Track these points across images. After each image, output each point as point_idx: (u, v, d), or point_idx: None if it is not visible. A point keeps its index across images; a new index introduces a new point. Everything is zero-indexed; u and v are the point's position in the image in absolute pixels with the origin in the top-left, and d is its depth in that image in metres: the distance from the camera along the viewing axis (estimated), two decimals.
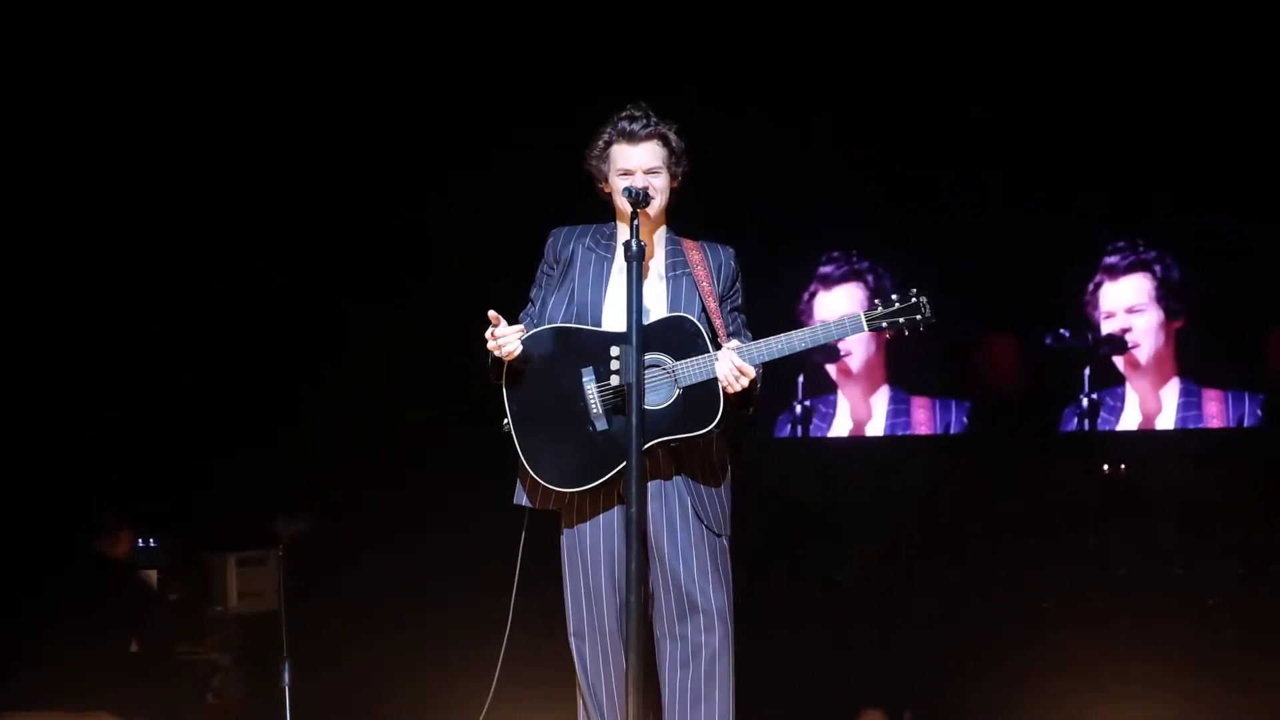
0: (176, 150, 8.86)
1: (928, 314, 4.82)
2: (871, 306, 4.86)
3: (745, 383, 4.73)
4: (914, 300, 4.82)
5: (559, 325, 4.85)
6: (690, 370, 4.75)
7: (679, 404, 4.74)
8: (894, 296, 4.84)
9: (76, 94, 8.57)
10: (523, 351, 4.78)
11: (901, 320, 4.81)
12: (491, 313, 4.75)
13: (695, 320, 4.80)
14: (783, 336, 4.79)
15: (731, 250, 5.03)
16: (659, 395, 4.73)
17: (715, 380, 4.73)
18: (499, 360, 4.78)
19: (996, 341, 9.67)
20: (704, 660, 4.80)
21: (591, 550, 4.86)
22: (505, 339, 4.74)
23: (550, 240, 5.01)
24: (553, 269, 4.98)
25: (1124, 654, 8.24)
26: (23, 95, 8.41)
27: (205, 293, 8.89)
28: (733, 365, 4.72)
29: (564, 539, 4.92)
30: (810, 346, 4.83)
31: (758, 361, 4.76)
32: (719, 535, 4.87)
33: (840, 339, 4.91)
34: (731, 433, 4.89)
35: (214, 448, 8.76)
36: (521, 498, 4.90)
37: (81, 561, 8.00)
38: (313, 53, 8.79)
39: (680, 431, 4.74)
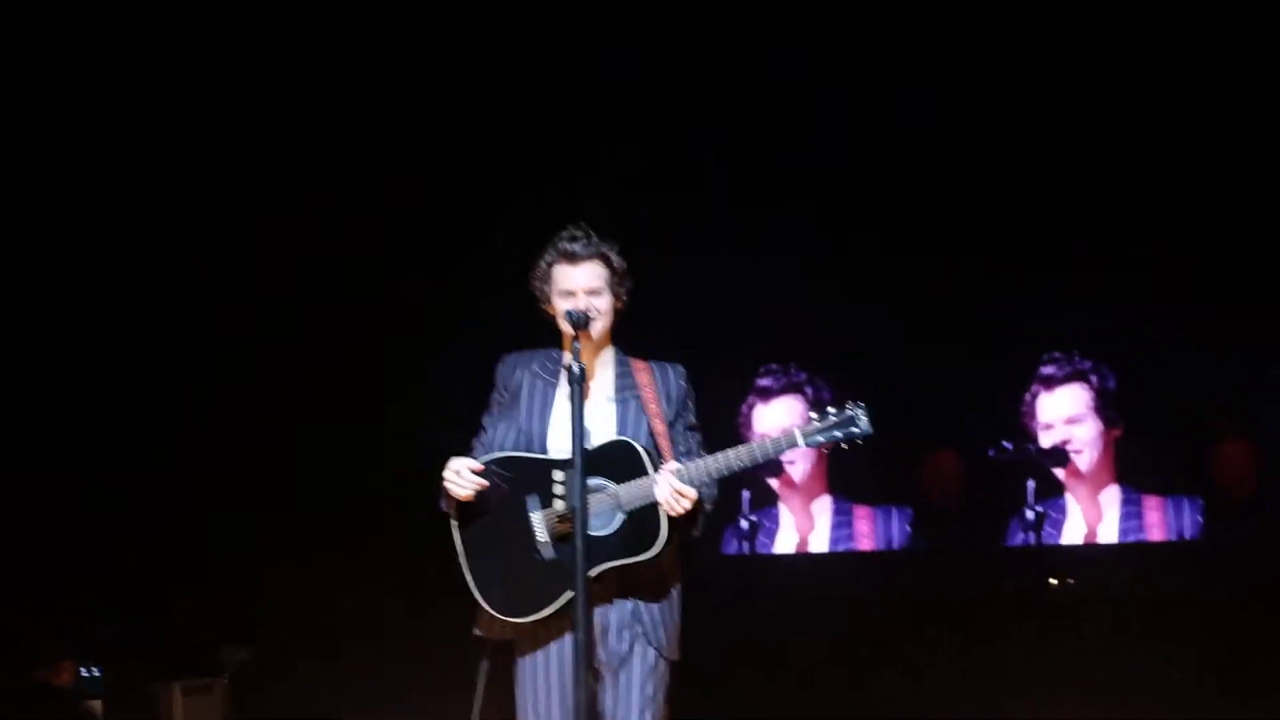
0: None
1: (865, 427, 4.72)
2: (808, 421, 4.79)
3: (687, 504, 4.69)
4: (849, 413, 4.73)
5: (503, 454, 4.83)
6: (631, 493, 4.73)
7: (624, 528, 4.72)
8: (829, 410, 4.76)
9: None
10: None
11: (839, 434, 4.73)
12: (474, 463, 4.76)
13: (634, 444, 4.78)
14: (720, 456, 4.75)
15: (682, 369, 5.00)
16: (602, 520, 4.70)
17: (657, 503, 4.72)
18: (450, 495, 4.79)
19: (938, 456, 9.70)
20: None
21: (544, 678, 4.81)
22: (466, 484, 4.74)
23: (500, 366, 5.00)
24: (503, 395, 4.97)
25: None
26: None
27: (151, 424, 8.85)
28: (671, 489, 4.70)
29: (517, 666, 4.88)
30: (748, 465, 4.81)
31: (696, 483, 4.73)
32: (664, 658, 4.83)
33: (778, 455, 4.87)
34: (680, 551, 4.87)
35: (157, 577, 8.70)
36: (479, 627, 4.87)
37: (23, 691, 7.84)
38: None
39: (626, 556, 4.71)
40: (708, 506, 4.82)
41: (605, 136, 8.91)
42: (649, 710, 4.80)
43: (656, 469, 4.76)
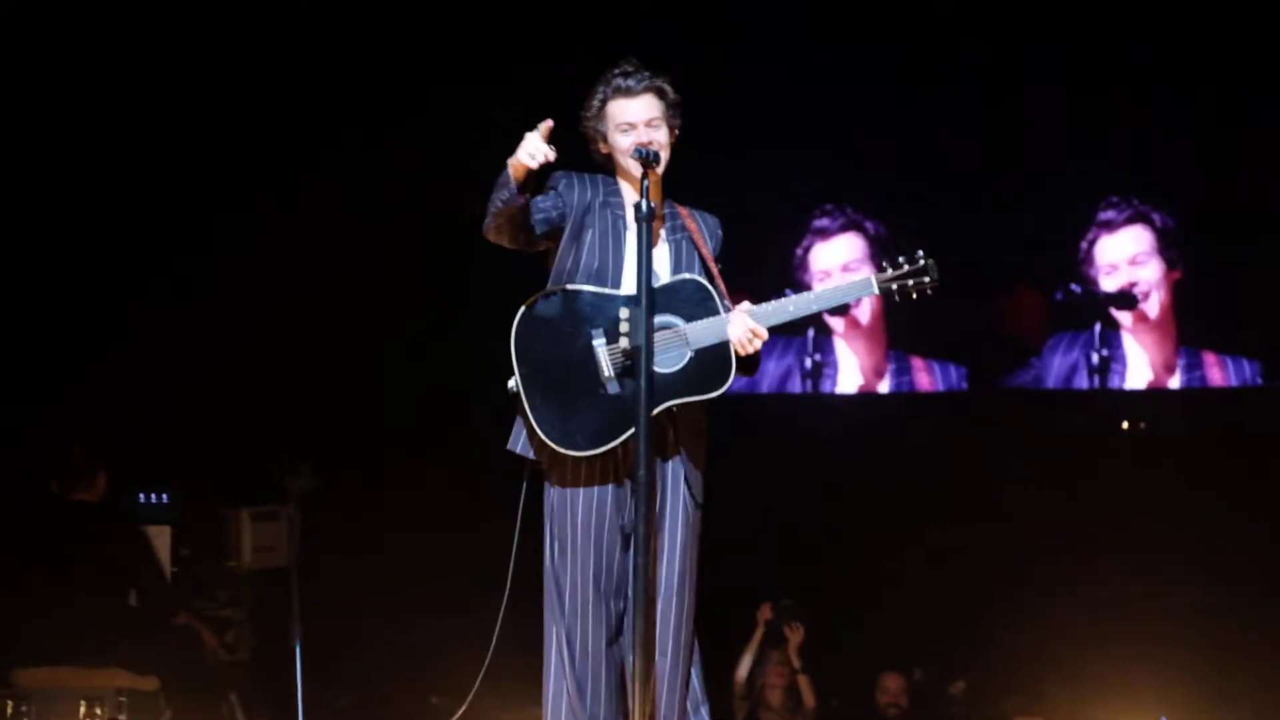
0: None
1: (935, 277, 4.85)
2: (882, 269, 4.87)
3: (759, 345, 4.75)
4: (922, 263, 4.85)
5: (569, 287, 4.81)
6: (701, 331, 4.75)
7: (691, 366, 4.74)
8: (901, 259, 4.86)
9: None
10: (533, 313, 4.76)
11: (910, 283, 4.85)
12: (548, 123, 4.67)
13: (705, 282, 4.80)
14: (795, 298, 4.82)
15: (718, 219, 5.04)
16: (670, 357, 4.72)
17: (727, 342, 4.74)
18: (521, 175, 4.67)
19: (1018, 296, 9.63)
20: (684, 635, 4.84)
21: (571, 518, 4.82)
22: (538, 151, 4.62)
23: (564, 180, 4.90)
24: (561, 204, 4.87)
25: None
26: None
27: (218, 254, 8.85)
28: (746, 328, 4.73)
29: (551, 495, 4.88)
30: (820, 309, 4.89)
31: (770, 324, 4.77)
32: (700, 506, 4.87)
33: (851, 300, 4.93)
34: None
35: (229, 403, 8.74)
36: (517, 445, 4.88)
37: (61, 510, 7.69)
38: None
39: (691, 394, 4.73)
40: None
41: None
42: (687, 554, 4.85)
43: (726, 308, 4.77)
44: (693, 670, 4.91)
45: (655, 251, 4.82)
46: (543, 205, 4.86)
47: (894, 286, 4.85)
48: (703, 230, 4.95)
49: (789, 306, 4.81)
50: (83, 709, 7.22)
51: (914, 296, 4.86)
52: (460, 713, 5.18)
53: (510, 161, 4.66)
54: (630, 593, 4.70)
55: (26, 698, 7.27)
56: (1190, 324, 9.45)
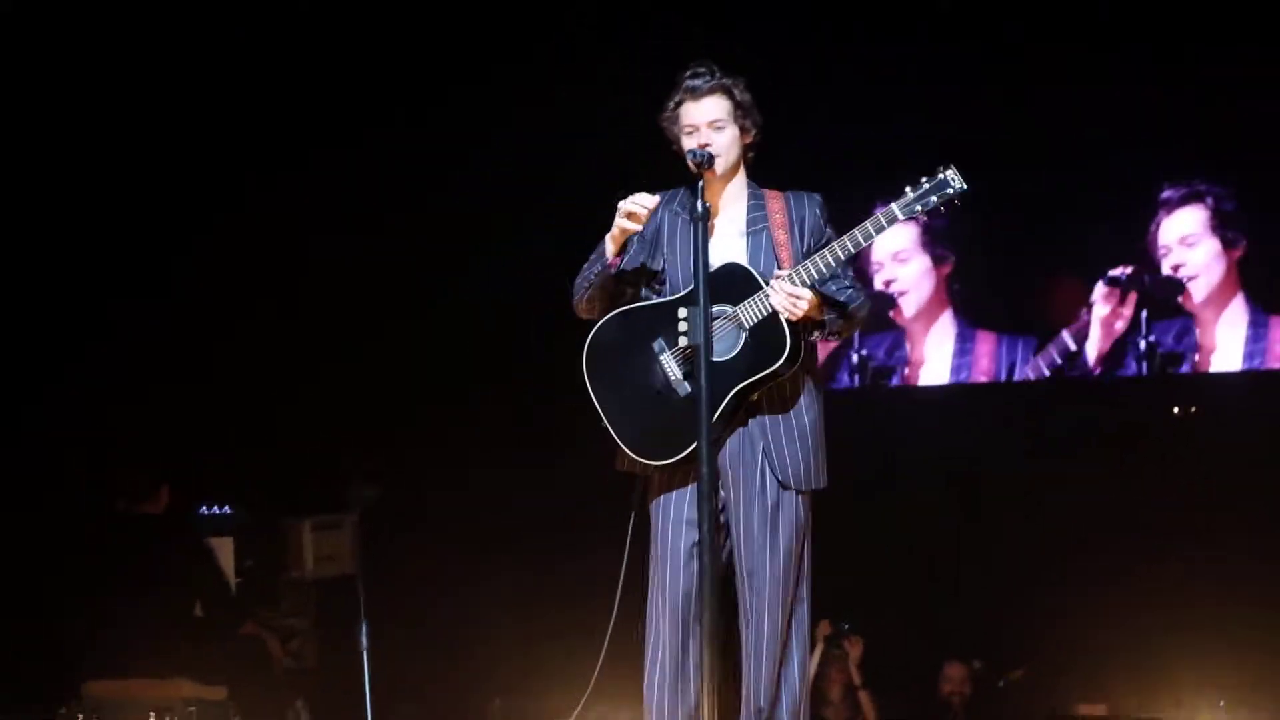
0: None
1: (959, 184, 4.78)
2: (901, 194, 4.82)
3: (805, 306, 4.72)
4: (941, 175, 4.80)
5: (622, 309, 4.90)
6: (751, 311, 4.77)
7: (747, 347, 4.77)
8: (922, 178, 4.81)
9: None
10: (596, 345, 4.86)
11: (935, 198, 4.79)
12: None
13: (742, 263, 4.81)
14: (825, 249, 4.79)
15: (818, 198, 5.01)
16: (727, 344, 4.75)
17: (777, 314, 4.74)
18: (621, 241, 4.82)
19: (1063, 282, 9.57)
20: (766, 626, 4.85)
21: (674, 515, 4.87)
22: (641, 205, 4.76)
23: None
24: (641, 240, 4.94)
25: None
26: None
27: (270, 259, 8.84)
28: (785, 294, 4.72)
29: (650, 504, 4.96)
30: (854, 252, 4.80)
31: (809, 282, 4.75)
32: (793, 490, 4.85)
33: (879, 233, 4.83)
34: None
35: (288, 415, 8.76)
36: (624, 464, 4.94)
37: (125, 525, 7.81)
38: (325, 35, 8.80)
39: (754, 373, 4.76)
40: (846, 307, 4.85)
41: None
42: (778, 545, 4.85)
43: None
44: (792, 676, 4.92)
45: (730, 247, 4.88)
46: (632, 250, 4.95)
47: (917, 207, 4.79)
48: (790, 215, 4.94)
49: (821, 262, 4.77)
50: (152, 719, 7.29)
51: (943, 209, 4.80)
52: (577, 712, 5.17)
53: (609, 236, 4.83)
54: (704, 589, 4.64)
55: (97, 709, 7.34)
56: (1253, 300, 9.34)
